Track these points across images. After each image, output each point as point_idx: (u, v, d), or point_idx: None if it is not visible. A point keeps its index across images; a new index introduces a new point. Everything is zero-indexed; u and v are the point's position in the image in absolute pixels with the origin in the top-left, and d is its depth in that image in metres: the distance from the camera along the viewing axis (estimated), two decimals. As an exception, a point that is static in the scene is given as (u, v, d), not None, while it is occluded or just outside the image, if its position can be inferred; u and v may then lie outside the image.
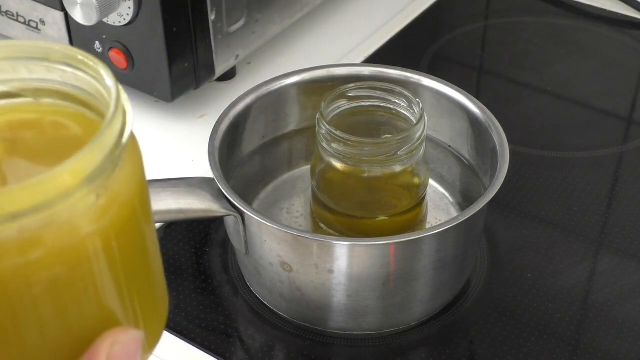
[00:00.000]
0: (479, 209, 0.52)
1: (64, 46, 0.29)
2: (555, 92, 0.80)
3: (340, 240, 0.52)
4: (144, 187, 0.29)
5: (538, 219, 0.65)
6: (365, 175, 0.56)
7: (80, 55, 0.28)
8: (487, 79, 0.83)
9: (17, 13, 0.74)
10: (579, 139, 0.74)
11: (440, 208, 0.63)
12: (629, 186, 0.68)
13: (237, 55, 0.74)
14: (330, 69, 0.63)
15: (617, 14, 0.90)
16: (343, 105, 0.58)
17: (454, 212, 0.62)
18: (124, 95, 0.27)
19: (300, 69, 0.63)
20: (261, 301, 0.58)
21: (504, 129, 0.58)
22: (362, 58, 0.82)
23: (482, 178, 0.60)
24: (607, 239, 0.64)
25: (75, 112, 0.29)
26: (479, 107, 0.60)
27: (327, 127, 0.55)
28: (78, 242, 0.25)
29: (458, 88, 0.62)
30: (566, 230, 0.64)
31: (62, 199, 0.24)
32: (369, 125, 0.59)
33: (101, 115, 0.29)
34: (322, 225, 0.59)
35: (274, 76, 0.63)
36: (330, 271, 0.52)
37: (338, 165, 0.56)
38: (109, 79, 0.28)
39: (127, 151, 0.27)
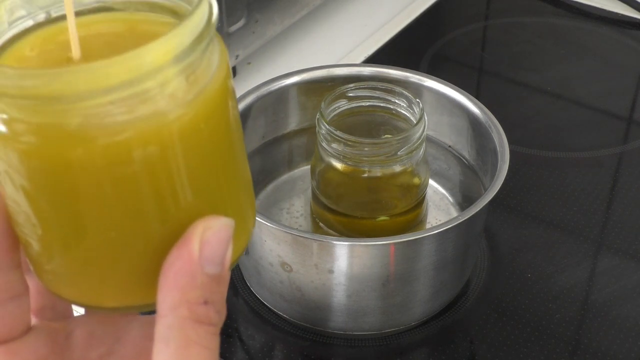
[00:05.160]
0: (479, 209, 0.52)
1: None
2: (555, 92, 0.80)
3: (340, 240, 0.52)
4: (230, 84, 0.29)
5: (538, 219, 0.65)
6: (365, 175, 0.56)
7: None
8: (487, 79, 0.83)
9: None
10: (579, 139, 0.74)
11: (440, 208, 0.63)
12: (629, 186, 0.68)
13: (237, 56, 0.74)
14: (330, 69, 0.63)
15: (617, 14, 0.90)
16: (343, 105, 0.58)
17: (454, 212, 0.62)
18: None
19: (300, 69, 0.63)
20: (261, 301, 0.58)
21: (504, 129, 0.58)
22: (362, 58, 0.82)
23: (482, 178, 0.60)
24: (607, 239, 0.64)
25: (165, 22, 0.30)
26: (479, 107, 0.60)
27: (327, 127, 0.55)
28: (168, 123, 0.26)
29: (458, 88, 0.62)
30: (566, 230, 0.64)
31: (153, 74, 0.25)
32: (369, 125, 0.59)
33: None
34: (322, 225, 0.59)
35: (274, 76, 0.63)
36: (330, 271, 0.52)
37: (338, 165, 0.56)
38: None
39: (214, 44, 0.28)
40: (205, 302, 0.27)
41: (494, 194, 0.52)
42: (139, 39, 0.30)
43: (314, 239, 0.51)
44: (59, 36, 0.29)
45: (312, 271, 0.52)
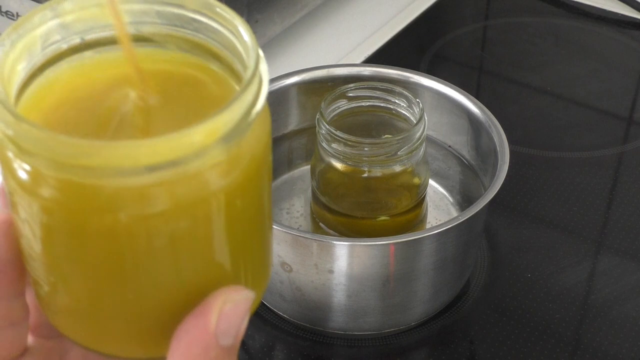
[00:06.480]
0: (479, 209, 0.52)
1: None
2: (555, 92, 0.80)
3: (340, 240, 0.52)
4: (270, 148, 0.29)
5: (538, 219, 0.65)
6: (365, 175, 0.56)
7: (218, 7, 0.28)
8: (487, 79, 0.83)
9: (17, 13, 0.74)
10: (579, 139, 0.74)
11: (440, 208, 0.63)
12: (629, 186, 0.68)
13: (237, 55, 0.74)
14: (330, 69, 0.63)
15: (617, 14, 0.90)
16: (343, 105, 0.58)
17: (454, 212, 0.62)
18: (261, 54, 0.27)
19: (300, 69, 0.63)
20: (261, 301, 0.58)
21: (504, 129, 0.58)
22: (362, 58, 0.82)
23: (482, 178, 0.60)
24: (607, 239, 0.64)
25: (205, 63, 0.29)
26: (479, 107, 0.60)
27: (327, 127, 0.55)
28: (204, 198, 0.25)
29: (458, 88, 0.62)
30: (566, 230, 0.64)
31: (197, 156, 0.24)
32: (369, 125, 0.59)
33: (230, 67, 0.28)
34: (322, 225, 0.59)
35: (274, 76, 0.63)
36: (330, 271, 0.52)
37: (338, 165, 0.56)
38: (246, 35, 0.27)
39: (260, 116, 0.27)
40: None
41: (494, 194, 0.52)
42: (177, 84, 0.29)
43: (314, 239, 0.51)
44: (96, 74, 0.28)
45: (312, 271, 0.52)
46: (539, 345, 0.56)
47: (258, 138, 0.27)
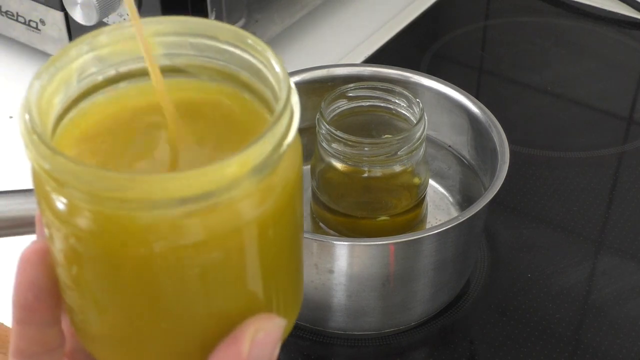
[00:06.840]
0: (479, 209, 0.52)
1: (233, 27, 0.29)
2: (555, 92, 0.80)
3: (340, 240, 0.52)
4: (301, 177, 0.29)
5: (538, 219, 0.65)
6: (365, 175, 0.56)
7: (250, 38, 0.29)
8: (487, 79, 0.83)
9: (17, 13, 0.74)
10: (579, 139, 0.74)
11: (440, 208, 0.63)
12: (629, 186, 0.68)
13: (237, 55, 0.74)
14: (330, 69, 0.63)
15: (617, 14, 0.90)
16: (343, 105, 0.58)
17: (454, 212, 0.62)
18: (292, 86, 0.27)
19: (300, 69, 0.63)
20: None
21: (504, 129, 0.58)
22: (362, 58, 0.82)
23: (482, 178, 0.60)
24: (607, 239, 0.64)
25: (237, 93, 0.30)
26: (479, 107, 0.60)
27: (327, 127, 0.55)
28: (237, 229, 0.26)
29: (458, 88, 0.62)
30: (566, 230, 0.64)
31: (229, 188, 0.25)
32: (369, 125, 0.59)
33: (262, 97, 0.29)
34: (322, 225, 0.59)
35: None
36: (330, 271, 0.52)
37: (338, 165, 0.56)
38: (277, 66, 0.28)
39: (290, 145, 0.27)
40: None
41: (494, 194, 0.52)
42: (210, 114, 0.29)
43: (314, 239, 0.51)
44: (130, 104, 0.29)
45: (312, 271, 0.52)
46: (539, 345, 0.56)
47: (289, 168, 0.27)
